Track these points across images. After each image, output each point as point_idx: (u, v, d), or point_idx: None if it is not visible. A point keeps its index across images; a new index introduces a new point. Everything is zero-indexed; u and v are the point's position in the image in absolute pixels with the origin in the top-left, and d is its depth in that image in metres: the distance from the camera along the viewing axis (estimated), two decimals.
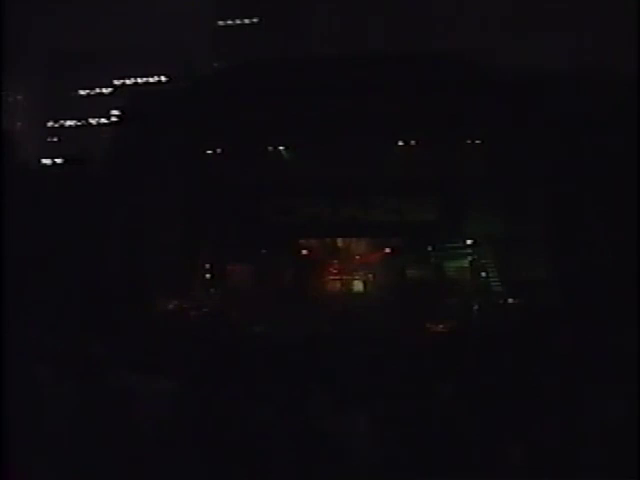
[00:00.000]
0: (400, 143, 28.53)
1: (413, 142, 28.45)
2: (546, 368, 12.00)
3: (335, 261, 33.32)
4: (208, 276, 30.47)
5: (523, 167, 26.27)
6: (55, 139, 76.79)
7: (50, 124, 78.25)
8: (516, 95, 25.37)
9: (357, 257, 33.39)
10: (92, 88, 77.76)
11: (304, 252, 32.69)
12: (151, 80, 76.00)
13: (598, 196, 23.92)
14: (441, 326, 23.59)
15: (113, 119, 69.36)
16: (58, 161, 32.16)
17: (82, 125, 77.62)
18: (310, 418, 9.56)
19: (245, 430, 9.55)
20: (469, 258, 30.51)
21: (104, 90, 77.39)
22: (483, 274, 29.63)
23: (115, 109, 60.84)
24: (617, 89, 24.33)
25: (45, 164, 33.52)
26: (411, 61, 28.32)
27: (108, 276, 23.72)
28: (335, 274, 33.19)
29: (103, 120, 75.02)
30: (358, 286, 32.89)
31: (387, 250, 32.40)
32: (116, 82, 77.09)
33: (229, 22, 76.93)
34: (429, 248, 31.13)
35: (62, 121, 78.10)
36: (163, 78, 74.92)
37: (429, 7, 66.40)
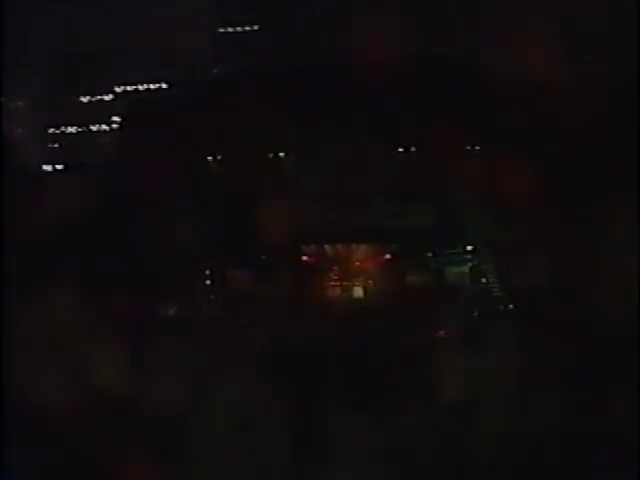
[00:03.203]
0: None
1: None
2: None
3: (335, 267, 33.25)
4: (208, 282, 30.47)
5: None
6: (56, 145, 76.97)
7: (51, 130, 78.47)
8: None
9: (357, 263, 33.34)
10: (93, 94, 77.91)
11: (304, 258, 32.65)
12: (152, 86, 76.19)
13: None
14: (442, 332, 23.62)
15: (112, 125, 69.74)
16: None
17: (83, 131, 77.80)
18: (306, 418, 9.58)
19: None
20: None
21: (105, 97, 77.57)
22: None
23: (116, 115, 60.93)
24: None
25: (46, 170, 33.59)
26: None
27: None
28: (335, 280, 33.11)
29: (104, 126, 75.22)
30: (358, 292, 32.82)
31: (387, 256, 32.41)
32: (117, 89, 77.33)
33: (229, 29, 77.16)
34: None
35: (63, 127, 78.26)
36: (164, 85, 75.14)
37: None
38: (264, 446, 9.23)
